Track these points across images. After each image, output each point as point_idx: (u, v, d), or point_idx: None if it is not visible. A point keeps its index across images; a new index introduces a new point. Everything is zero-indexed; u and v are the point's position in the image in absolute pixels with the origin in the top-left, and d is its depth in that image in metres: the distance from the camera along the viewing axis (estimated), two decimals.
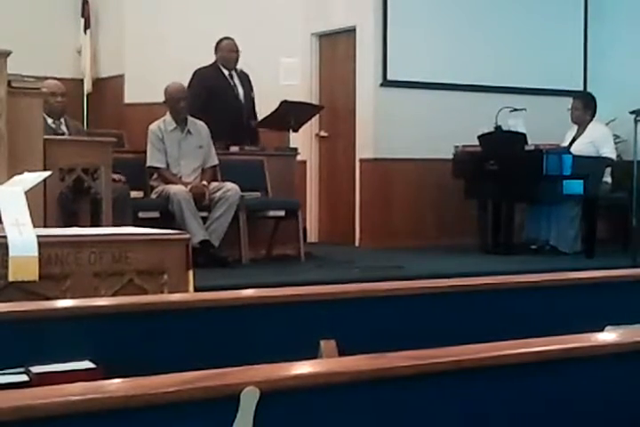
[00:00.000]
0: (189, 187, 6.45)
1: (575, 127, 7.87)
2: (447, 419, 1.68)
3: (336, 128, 8.67)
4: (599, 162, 7.54)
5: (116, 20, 9.24)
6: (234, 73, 7.51)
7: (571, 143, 7.71)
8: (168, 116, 6.76)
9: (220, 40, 7.56)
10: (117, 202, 4.88)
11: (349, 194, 8.39)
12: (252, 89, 7.57)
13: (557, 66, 8.89)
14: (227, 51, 7.48)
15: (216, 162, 6.84)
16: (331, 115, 8.59)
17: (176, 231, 3.70)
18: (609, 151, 7.65)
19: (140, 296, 2.81)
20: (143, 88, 8.64)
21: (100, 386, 1.45)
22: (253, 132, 7.58)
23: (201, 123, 6.83)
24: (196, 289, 3.33)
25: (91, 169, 4.57)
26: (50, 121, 5.95)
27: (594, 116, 7.80)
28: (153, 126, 6.73)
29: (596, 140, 7.67)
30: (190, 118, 6.79)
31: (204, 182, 6.59)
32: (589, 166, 7.35)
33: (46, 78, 6.07)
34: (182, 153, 6.70)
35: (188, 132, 6.76)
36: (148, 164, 6.67)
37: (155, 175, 6.71)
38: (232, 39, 7.53)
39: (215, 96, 7.23)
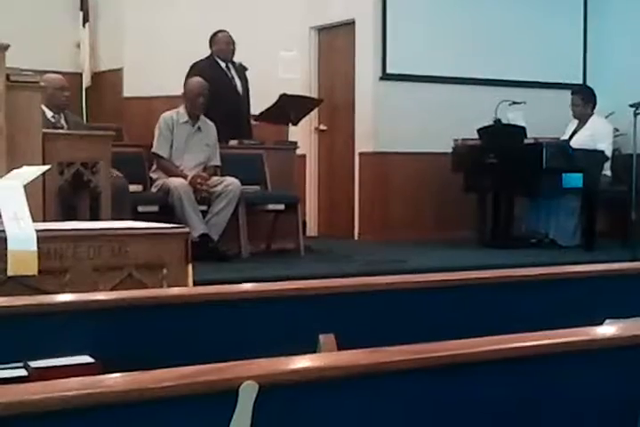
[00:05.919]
0: (189, 178, 6.44)
1: (576, 121, 7.87)
2: (445, 413, 1.68)
3: (335, 122, 8.66)
4: (598, 155, 7.54)
5: (114, 13, 9.22)
6: (230, 65, 7.50)
7: (571, 136, 7.72)
8: (182, 109, 6.77)
9: (215, 33, 7.57)
10: (116, 196, 4.87)
11: (348, 187, 8.39)
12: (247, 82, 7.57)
13: (557, 59, 8.87)
14: (223, 43, 7.49)
15: (218, 163, 6.83)
16: (330, 108, 8.58)
17: (175, 225, 3.69)
18: (605, 147, 7.64)
19: (140, 290, 2.81)
20: (142, 82, 8.64)
21: (98, 381, 1.45)
22: (248, 125, 7.57)
23: (211, 124, 6.83)
24: (196, 283, 3.33)
25: (90, 163, 4.56)
26: (50, 115, 5.93)
27: (594, 108, 7.80)
28: (166, 115, 6.75)
29: (596, 134, 7.67)
30: (202, 117, 6.79)
31: (205, 174, 6.57)
32: (589, 160, 7.35)
33: (45, 72, 6.04)
34: (188, 147, 6.70)
35: (199, 128, 6.77)
36: (153, 150, 6.68)
37: (154, 166, 6.70)
38: (226, 31, 7.53)
39: (213, 89, 7.21)
